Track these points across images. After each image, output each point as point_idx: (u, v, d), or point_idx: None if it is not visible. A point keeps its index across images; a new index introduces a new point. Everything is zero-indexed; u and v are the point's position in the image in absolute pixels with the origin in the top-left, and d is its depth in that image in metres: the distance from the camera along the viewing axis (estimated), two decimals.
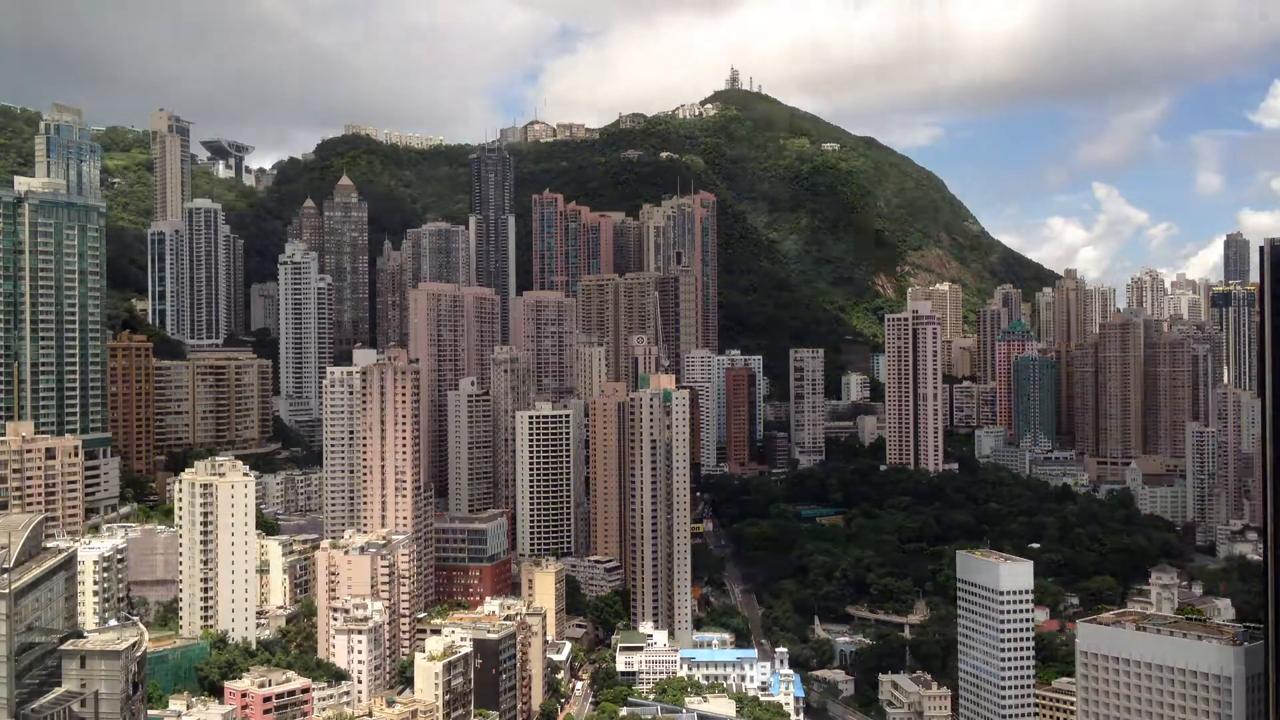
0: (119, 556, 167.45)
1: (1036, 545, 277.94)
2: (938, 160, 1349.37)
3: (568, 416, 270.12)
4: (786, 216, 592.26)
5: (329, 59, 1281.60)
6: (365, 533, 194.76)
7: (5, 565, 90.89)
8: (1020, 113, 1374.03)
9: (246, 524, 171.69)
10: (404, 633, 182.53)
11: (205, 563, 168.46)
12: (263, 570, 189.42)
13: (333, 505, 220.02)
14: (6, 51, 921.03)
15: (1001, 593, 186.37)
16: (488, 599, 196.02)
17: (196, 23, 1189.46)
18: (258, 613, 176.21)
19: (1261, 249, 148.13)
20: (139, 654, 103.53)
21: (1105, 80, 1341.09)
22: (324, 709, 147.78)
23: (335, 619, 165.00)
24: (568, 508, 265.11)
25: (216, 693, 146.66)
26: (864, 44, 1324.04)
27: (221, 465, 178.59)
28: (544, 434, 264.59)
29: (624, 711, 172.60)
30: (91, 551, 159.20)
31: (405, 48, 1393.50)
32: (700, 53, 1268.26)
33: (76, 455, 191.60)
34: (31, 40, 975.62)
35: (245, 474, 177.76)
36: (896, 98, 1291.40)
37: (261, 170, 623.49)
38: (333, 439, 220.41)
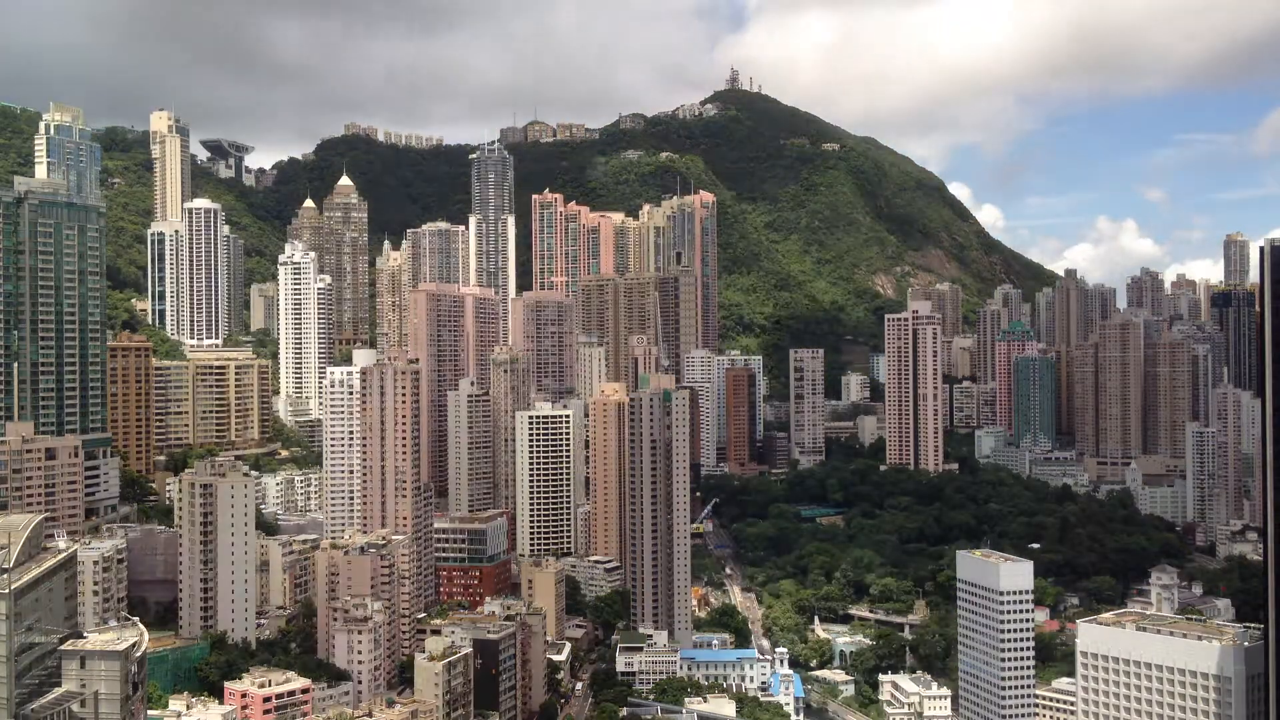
0: (119, 556, 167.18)
1: (1036, 545, 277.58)
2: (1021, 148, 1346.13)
3: (568, 416, 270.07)
4: (786, 216, 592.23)
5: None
6: (365, 533, 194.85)
7: (5, 565, 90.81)
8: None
9: (246, 524, 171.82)
10: (404, 633, 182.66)
11: (205, 563, 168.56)
12: (263, 570, 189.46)
13: (333, 505, 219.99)
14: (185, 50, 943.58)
15: (1001, 593, 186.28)
16: (488, 599, 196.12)
17: (383, 10, 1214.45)
18: (258, 613, 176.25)
19: (1261, 249, 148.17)
20: (139, 654, 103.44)
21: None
22: (324, 709, 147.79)
23: (335, 619, 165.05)
24: (568, 508, 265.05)
25: (216, 693, 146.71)
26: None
27: (221, 465, 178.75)
28: (544, 434, 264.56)
29: (624, 711, 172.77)
30: (91, 551, 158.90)
31: (583, 27, 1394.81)
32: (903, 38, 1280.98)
33: (76, 455, 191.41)
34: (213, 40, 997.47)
35: (245, 474, 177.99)
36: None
37: (261, 170, 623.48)
38: (333, 439, 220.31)
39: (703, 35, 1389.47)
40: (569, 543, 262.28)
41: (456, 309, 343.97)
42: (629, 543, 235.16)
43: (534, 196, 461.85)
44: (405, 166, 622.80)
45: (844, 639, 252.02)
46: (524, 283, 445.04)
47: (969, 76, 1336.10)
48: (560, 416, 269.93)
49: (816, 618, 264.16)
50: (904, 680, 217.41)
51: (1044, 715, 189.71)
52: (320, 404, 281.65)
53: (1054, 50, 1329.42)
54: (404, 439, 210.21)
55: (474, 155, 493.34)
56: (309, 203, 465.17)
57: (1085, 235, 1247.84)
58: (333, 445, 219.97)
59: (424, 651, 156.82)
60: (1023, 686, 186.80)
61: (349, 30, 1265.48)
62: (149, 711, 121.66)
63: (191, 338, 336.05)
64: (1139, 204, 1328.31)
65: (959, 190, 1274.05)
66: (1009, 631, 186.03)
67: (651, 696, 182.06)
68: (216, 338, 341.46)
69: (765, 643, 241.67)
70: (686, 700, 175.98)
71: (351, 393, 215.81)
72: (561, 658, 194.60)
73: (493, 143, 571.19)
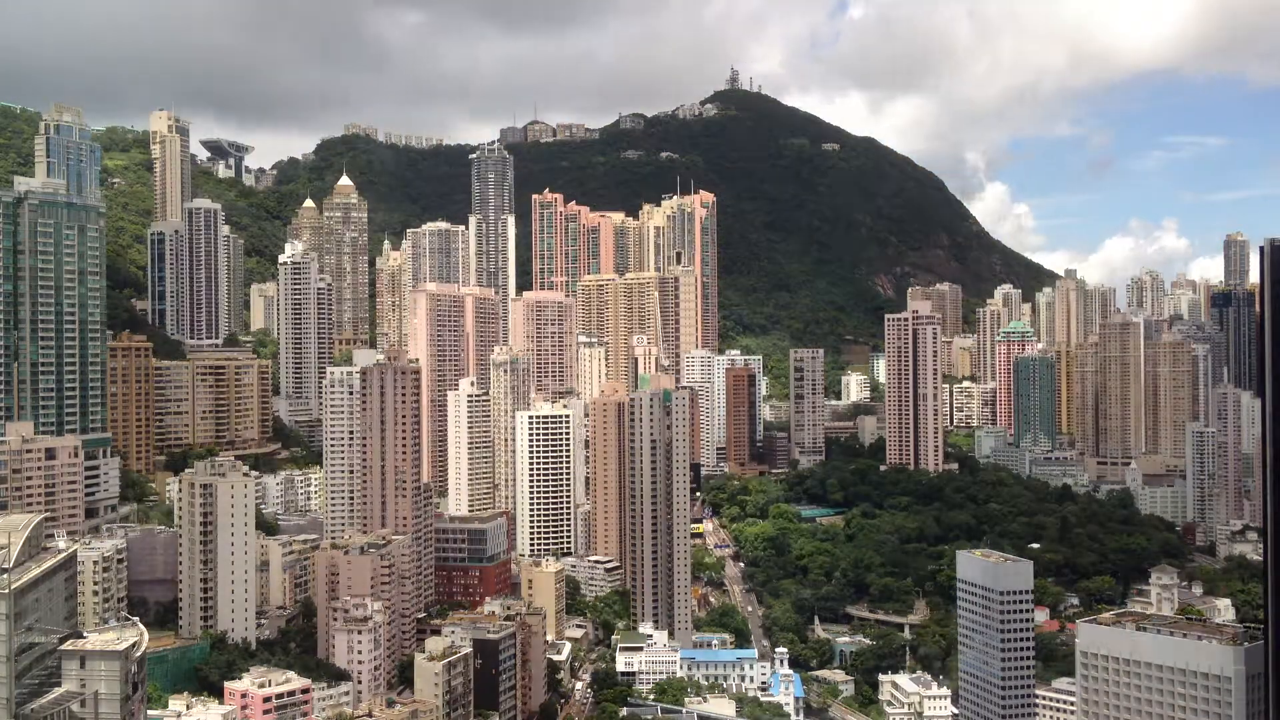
0: (119, 556, 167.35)
1: (1036, 545, 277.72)
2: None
3: (568, 416, 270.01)
4: (786, 216, 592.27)
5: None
6: (365, 533, 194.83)
7: (5, 565, 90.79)
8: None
9: (246, 524, 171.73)
10: (404, 633, 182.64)
11: (205, 563, 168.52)
12: (263, 570, 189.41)
13: (333, 505, 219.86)
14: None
15: (1001, 593, 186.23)
16: (488, 599, 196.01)
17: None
18: (258, 613, 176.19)
19: (1261, 249, 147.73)
20: (139, 654, 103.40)
21: None
22: (324, 709, 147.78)
23: (335, 619, 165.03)
24: (568, 508, 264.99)
25: (216, 693, 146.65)
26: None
27: (221, 465, 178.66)
28: (544, 434, 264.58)
29: (624, 711, 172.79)
30: (91, 551, 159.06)
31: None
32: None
33: (76, 455, 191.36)
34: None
35: (245, 474, 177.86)
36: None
37: (261, 170, 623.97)
38: (333, 439, 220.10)
39: (822, 17, 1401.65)
40: (569, 543, 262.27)
41: (456, 309, 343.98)
42: (629, 543, 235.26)
43: (534, 196, 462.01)
44: (405, 166, 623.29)
45: (844, 639, 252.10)
46: (524, 283, 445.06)
47: (1062, 67, 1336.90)
48: (560, 416, 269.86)
49: (816, 618, 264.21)
50: (904, 680, 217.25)
51: (1044, 715, 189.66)
52: (320, 404, 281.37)
53: (1136, 45, 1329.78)
54: (404, 439, 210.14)
55: (474, 155, 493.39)
56: (309, 203, 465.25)
57: (1118, 234, 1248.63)
58: (333, 445, 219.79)
59: (424, 651, 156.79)
60: (1023, 686, 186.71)
61: (456, 24, 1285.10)
62: (149, 711, 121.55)
63: (191, 338, 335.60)
64: (1173, 202, 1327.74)
65: (996, 189, 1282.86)
66: (1009, 631, 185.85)
67: (651, 696, 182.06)
68: (216, 338, 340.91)
69: (765, 643, 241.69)
70: (686, 700, 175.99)
71: (351, 393, 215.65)
72: (561, 658, 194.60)
73: (492, 142, 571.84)
